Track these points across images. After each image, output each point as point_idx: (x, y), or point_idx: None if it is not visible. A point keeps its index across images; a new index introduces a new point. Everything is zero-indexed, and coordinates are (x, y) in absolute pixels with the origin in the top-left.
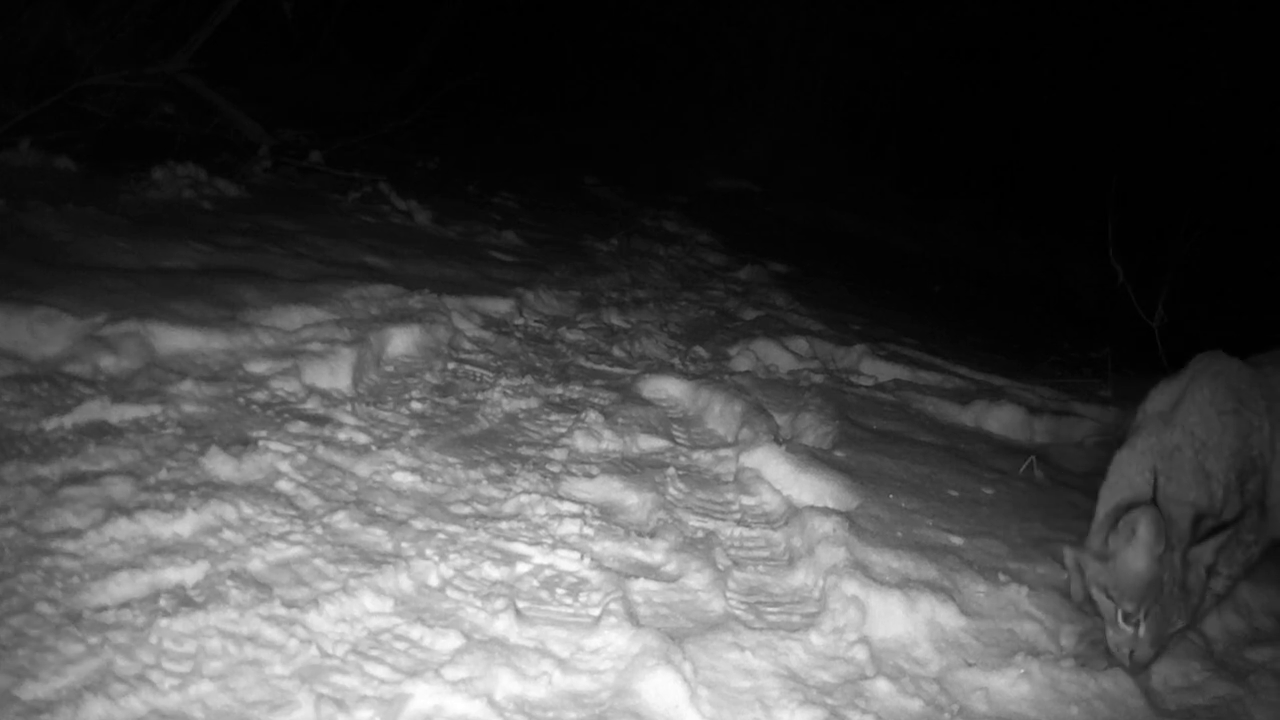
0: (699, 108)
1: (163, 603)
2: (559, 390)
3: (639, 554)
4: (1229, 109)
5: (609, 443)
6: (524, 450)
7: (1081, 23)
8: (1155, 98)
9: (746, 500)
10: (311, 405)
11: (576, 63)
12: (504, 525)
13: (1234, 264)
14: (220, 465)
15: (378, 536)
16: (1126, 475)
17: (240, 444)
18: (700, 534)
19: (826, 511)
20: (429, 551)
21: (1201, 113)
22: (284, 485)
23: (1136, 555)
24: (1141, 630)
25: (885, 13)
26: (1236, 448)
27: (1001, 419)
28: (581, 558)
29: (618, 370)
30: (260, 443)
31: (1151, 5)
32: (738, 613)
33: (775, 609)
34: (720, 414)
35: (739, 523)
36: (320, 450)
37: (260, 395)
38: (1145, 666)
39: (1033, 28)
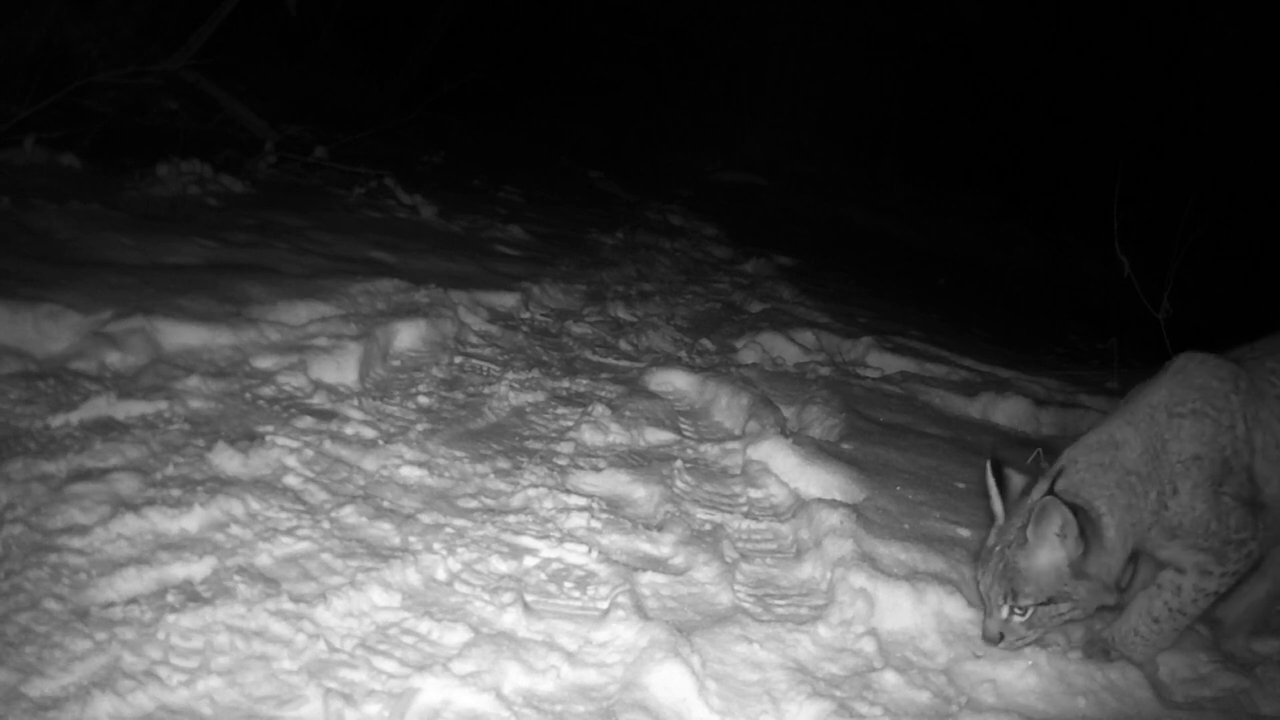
0: (702, 102)
1: (170, 598)
2: (566, 384)
3: (647, 547)
4: (1234, 103)
5: (616, 436)
6: (531, 444)
7: (1086, 18)
8: (1161, 92)
9: (754, 493)
10: (318, 400)
11: (579, 58)
12: (511, 519)
13: (1240, 256)
14: (227, 461)
15: (385, 531)
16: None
17: (247, 439)
18: (708, 527)
19: (834, 504)
20: (437, 545)
21: (1207, 106)
22: (291, 480)
23: (1043, 547)
24: (979, 582)
25: (886, 8)
26: (1194, 452)
27: (1008, 411)
28: (589, 551)
29: (624, 363)
30: (267, 438)
31: (1155, 2)
32: (746, 605)
33: (783, 601)
34: (727, 407)
35: (746, 515)
36: (327, 445)
37: (267, 390)
38: (992, 643)
39: (1036, 24)
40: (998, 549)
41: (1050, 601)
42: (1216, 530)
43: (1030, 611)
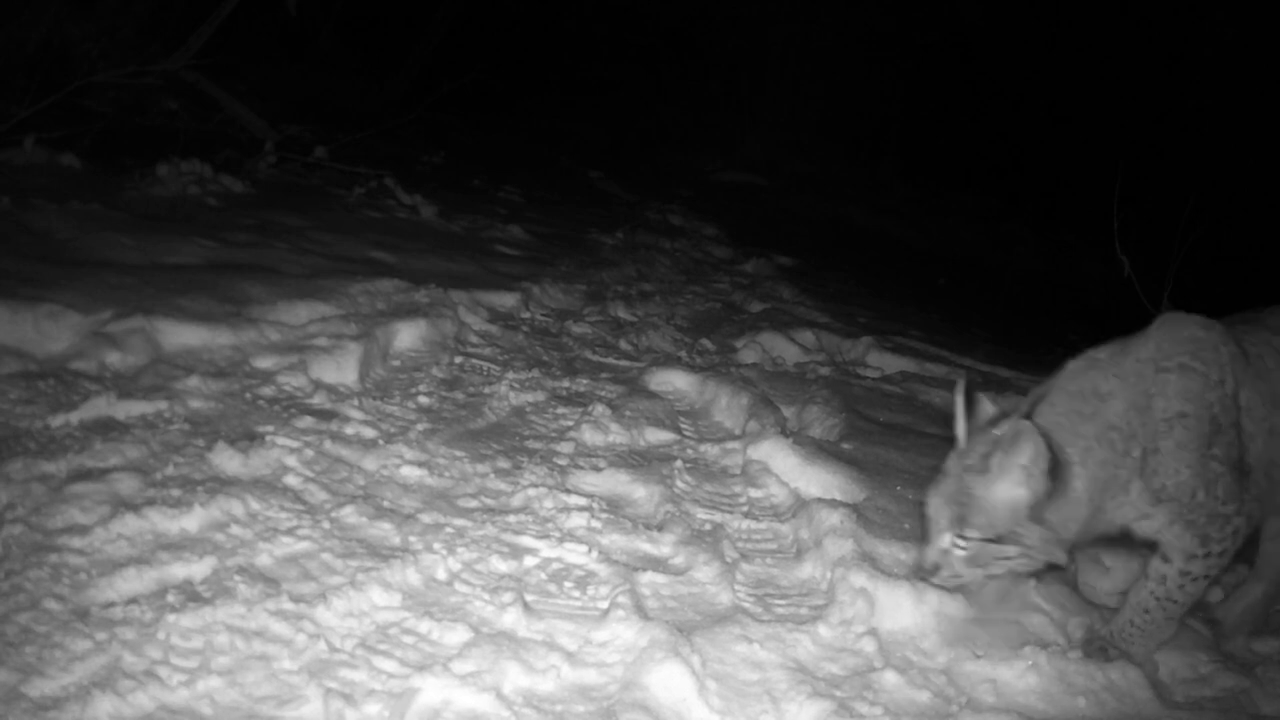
0: (702, 102)
1: (170, 598)
2: (566, 383)
3: (647, 547)
4: (1234, 103)
5: (616, 436)
6: (531, 444)
7: (1086, 18)
8: (1161, 92)
9: (754, 493)
10: (318, 400)
11: (579, 58)
12: (511, 519)
13: (1240, 256)
14: (227, 460)
15: (385, 530)
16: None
17: (247, 439)
18: (708, 526)
19: (834, 504)
20: (437, 545)
21: (1207, 106)
22: (291, 480)
23: (1007, 478)
24: (925, 506)
25: (886, 8)
26: (1179, 409)
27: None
28: (589, 551)
29: (624, 363)
30: (267, 438)
31: (1155, 2)
32: (746, 605)
33: (783, 601)
34: (727, 406)
35: (746, 515)
36: (327, 445)
37: (267, 390)
38: (926, 574)
39: (1036, 24)
40: (955, 472)
41: (998, 540)
42: (1203, 501)
43: (974, 547)
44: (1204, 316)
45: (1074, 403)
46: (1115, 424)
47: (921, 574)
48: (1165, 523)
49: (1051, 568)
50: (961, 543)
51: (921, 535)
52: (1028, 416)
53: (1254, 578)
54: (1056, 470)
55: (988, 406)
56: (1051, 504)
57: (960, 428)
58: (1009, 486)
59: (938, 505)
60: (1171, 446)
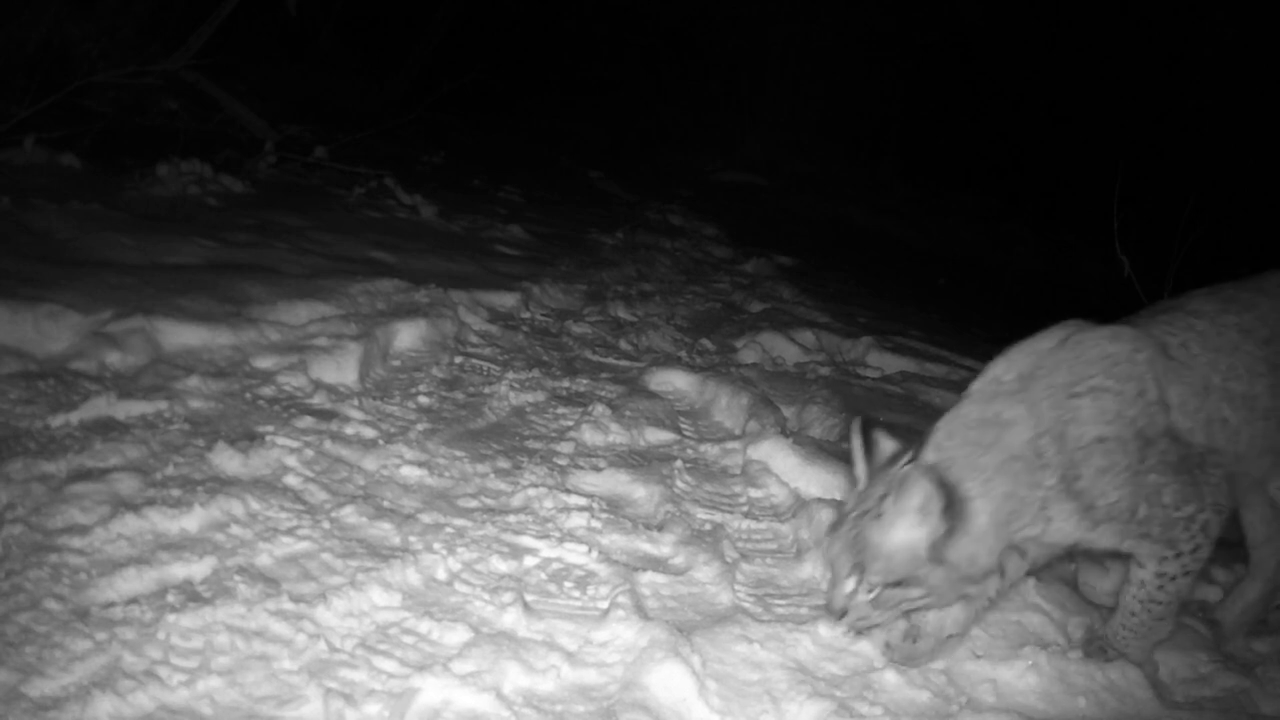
0: (702, 102)
1: (170, 598)
2: (566, 383)
3: (647, 547)
4: (1234, 103)
5: (616, 436)
6: (531, 444)
7: (1086, 18)
8: (1161, 92)
9: (754, 492)
10: (318, 400)
11: (579, 58)
12: (511, 519)
13: (1240, 256)
14: (227, 461)
15: (385, 530)
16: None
17: (247, 439)
18: (708, 526)
19: (834, 504)
20: (437, 545)
21: (1207, 106)
22: (291, 480)
23: (900, 523)
24: (826, 550)
25: (886, 8)
26: (1095, 434)
27: None
28: (589, 551)
29: (624, 363)
30: (267, 438)
31: (1155, 2)
32: (746, 605)
33: (783, 601)
34: (727, 406)
35: (746, 515)
36: (327, 445)
37: (267, 390)
38: (837, 617)
39: (1036, 24)
40: (852, 516)
41: (899, 584)
42: (1149, 515)
43: (877, 591)
44: (1112, 325)
45: (972, 433)
46: (1018, 453)
47: (831, 616)
48: (1117, 539)
49: (967, 599)
50: (864, 589)
51: (829, 580)
52: (919, 452)
53: (1250, 578)
54: (953, 508)
55: (887, 444)
56: (952, 542)
57: (859, 468)
58: (904, 531)
59: (836, 552)
60: (1093, 472)
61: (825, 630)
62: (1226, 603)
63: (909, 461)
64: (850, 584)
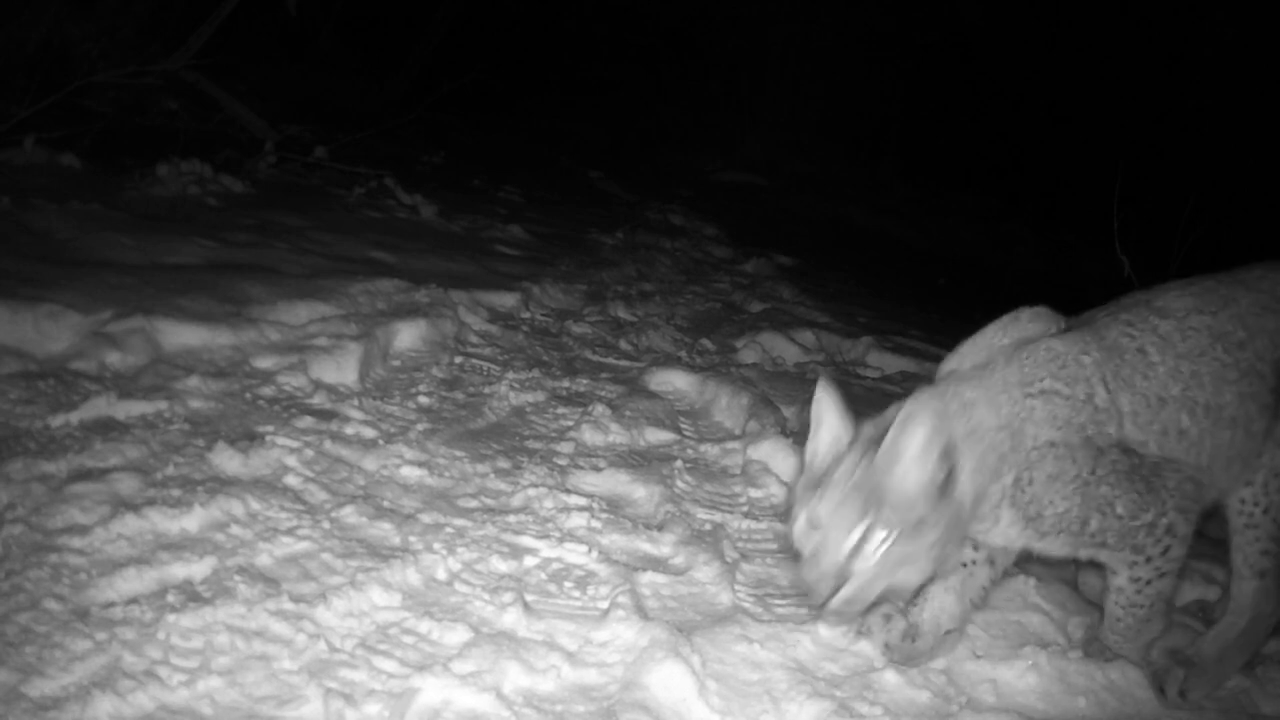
0: (702, 102)
1: (170, 598)
2: (566, 383)
3: (647, 547)
4: (1234, 103)
5: (616, 436)
6: (531, 444)
7: (1086, 18)
8: (1161, 92)
9: (754, 492)
10: (318, 400)
11: (579, 58)
12: (511, 519)
13: (1240, 256)
14: (227, 461)
15: (385, 530)
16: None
17: (247, 439)
18: (708, 526)
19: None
20: (437, 545)
21: (1207, 106)
22: (291, 480)
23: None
24: (817, 511)
25: (886, 8)
26: (1048, 437)
27: None
28: (589, 550)
29: (624, 363)
30: (267, 438)
31: (1155, 2)
32: (746, 605)
33: (783, 601)
34: (727, 406)
35: (747, 515)
36: (327, 445)
37: (267, 390)
38: (826, 596)
39: (1036, 24)
40: (843, 469)
41: (916, 527)
42: (1103, 526)
43: (886, 545)
44: (1066, 333)
45: (942, 402)
46: (983, 434)
47: (814, 604)
48: (1069, 550)
49: (940, 573)
50: (873, 542)
51: (801, 565)
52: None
53: (1228, 612)
54: (949, 454)
55: (838, 401)
56: (950, 490)
57: (835, 426)
58: (917, 466)
59: (831, 506)
60: (1043, 478)
61: (825, 630)
62: (1203, 643)
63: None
64: (850, 542)
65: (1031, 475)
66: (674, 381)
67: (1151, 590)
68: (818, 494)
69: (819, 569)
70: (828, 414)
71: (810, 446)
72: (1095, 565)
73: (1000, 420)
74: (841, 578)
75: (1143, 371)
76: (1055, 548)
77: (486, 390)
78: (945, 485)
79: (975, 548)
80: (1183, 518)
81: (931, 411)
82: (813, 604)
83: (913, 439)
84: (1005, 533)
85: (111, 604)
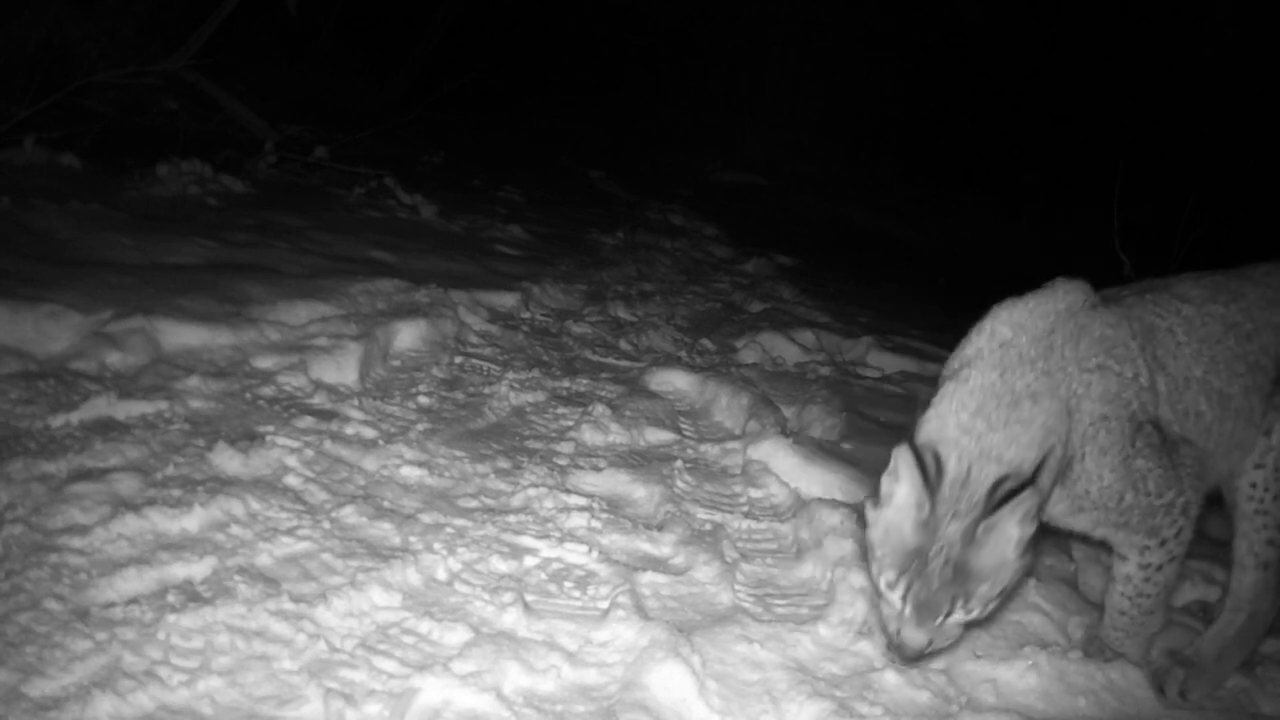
0: (702, 102)
1: (170, 598)
2: (566, 383)
3: (647, 547)
4: (1234, 103)
5: (616, 436)
6: (531, 444)
7: (1086, 18)
8: (1161, 92)
9: (754, 493)
10: (318, 400)
11: (579, 58)
12: (512, 519)
13: (1240, 256)
14: (227, 461)
15: (385, 531)
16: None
17: (247, 439)
18: (708, 526)
19: (834, 504)
20: (437, 545)
21: (1207, 106)
22: (291, 480)
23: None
24: (907, 609)
25: (886, 8)
26: (1102, 412)
27: None
28: (589, 551)
29: (624, 363)
30: (267, 438)
31: (1155, 2)
32: (746, 605)
33: (783, 601)
34: (727, 406)
35: (747, 515)
36: (327, 445)
37: (267, 390)
38: (914, 659)
39: (1036, 24)
40: (938, 550)
41: (1002, 593)
42: (1133, 503)
43: (975, 615)
44: (1107, 310)
45: (1005, 411)
46: (1050, 425)
47: (905, 661)
48: (1091, 526)
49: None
50: (961, 613)
51: (886, 623)
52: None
53: (1227, 609)
54: (1038, 496)
55: (929, 458)
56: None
57: (915, 492)
58: (1012, 541)
59: (929, 593)
60: (1096, 452)
61: (825, 630)
62: (1202, 642)
63: (996, 479)
64: (941, 616)
65: (1084, 451)
66: (674, 381)
67: (1160, 578)
68: (910, 572)
69: (912, 640)
70: (907, 485)
71: (888, 513)
72: (1096, 564)
73: (1060, 404)
74: (931, 646)
75: (1173, 353)
76: (1081, 522)
77: (486, 390)
78: (1030, 542)
79: None
80: (1196, 498)
81: (1031, 491)
82: (898, 660)
83: (1013, 518)
84: (1047, 510)
85: (112, 604)
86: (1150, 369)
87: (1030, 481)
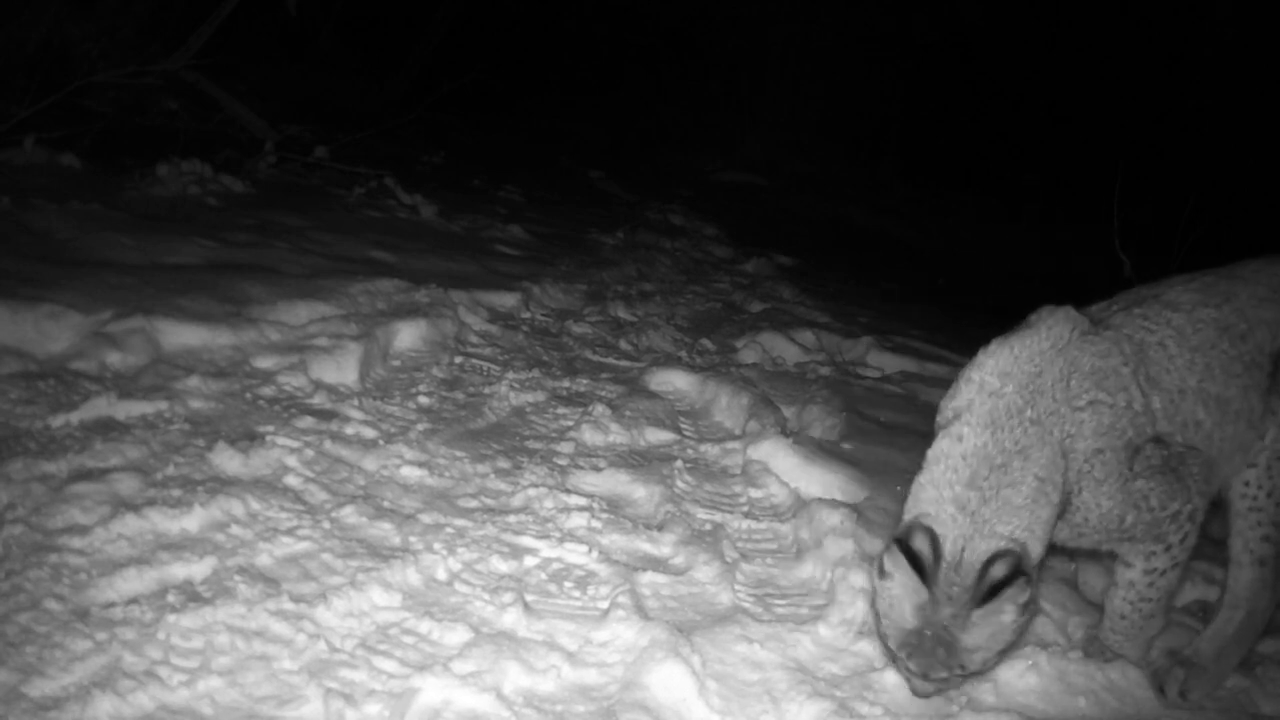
0: (702, 102)
1: (170, 598)
2: (566, 383)
3: (647, 547)
4: (1234, 103)
5: (616, 436)
6: (531, 444)
7: (1086, 18)
8: (1161, 92)
9: (754, 493)
10: (318, 400)
11: (579, 58)
12: (512, 519)
13: (1240, 254)
14: (227, 461)
15: (385, 531)
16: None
17: (247, 439)
18: (708, 526)
19: (834, 504)
20: (437, 545)
21: (1207, 106)
22: (291, 480)
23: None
24: (912, 667)
25: (886, 8)
26: (1095, 446)
27: None
28: (589, 551)
29: (624, 363)
30: (267, 438)
31: (1155, 2)
32: (746, 605)
33: (783, 601)
34: (727, 406)
35: (747, 515)
36: (327, 445)
37: (267, 390)
38: (928, 697)
39: (1036, 24)
40: (929, 633)
41: (1002, 652)
42: (1136, 520)
43: (977, 669)
44: (1097, 337)
45: (997, 475)
46: (1042, 475)
47: (923, 696)
48: (1096, 543)
49: None
50: (959, 671)
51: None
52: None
53: (1225, 606)
54: (1029, 568)
55: (922, 544)
56: (1031, 591)
57: (919, 585)
58: (1005, 621)
59: (925, 667)
60: (1092, 485)
61: (825, 630)
62: (1200, 642)
63: (988, 560)
64: (941, 677)
65: (1081, 485)
66: (674, 381)
67: (1164, 583)
68: (909, 646)
69: (920, 690)
70: (902, 575)
71: (891, 589)
72: (1096, 564)
73: (1053, 448)
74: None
75: (1165, 367)
76: (1085, 543)
77: (486, 390)
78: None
79: None
80: (1203, 504)
81: (1023, 583)
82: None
83: (1002, 607)
84: (1060, 538)
85: (112, 604)
86: (1144, 391)
87: (1020, 565)
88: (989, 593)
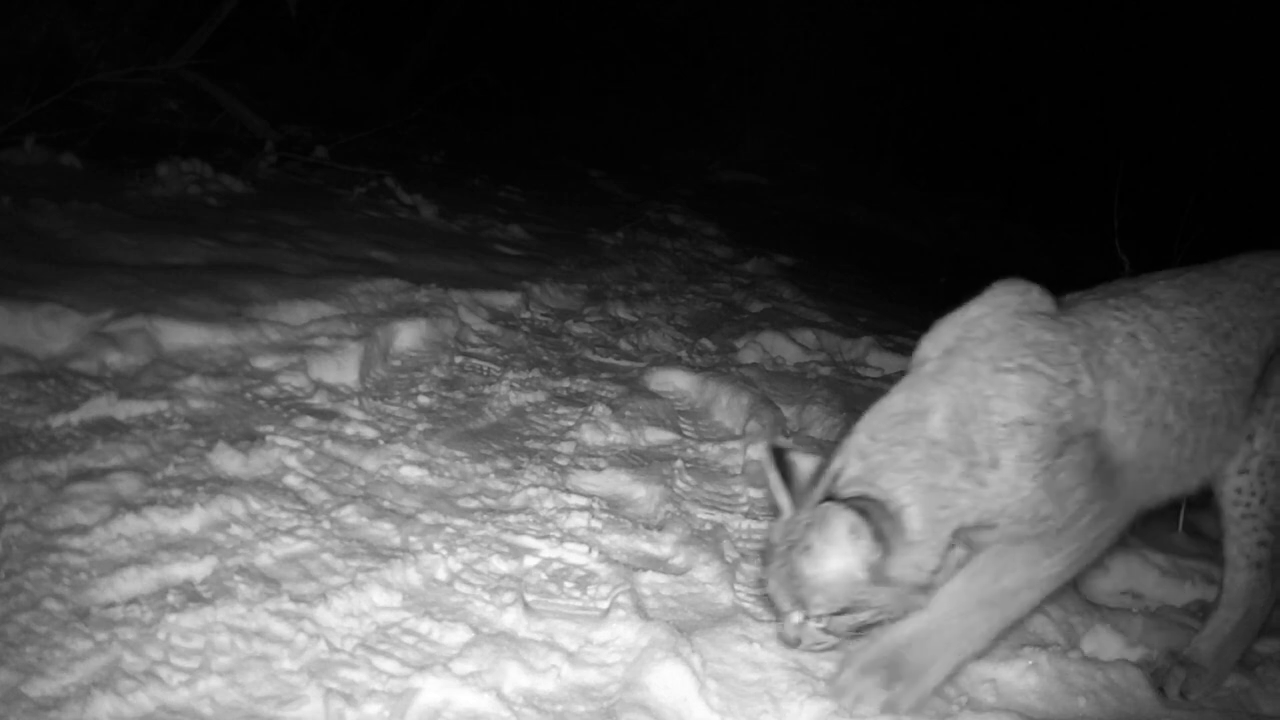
0: (702, 102)
1: (170, 599)
2: (566, 383)
3: (647, 547)
4: (1234, 103)
5: (616, 436)
6: (531, 444)
7: (1087, 18)
8: (1161, 91)
9: (754, 492)
10: (318, 400)
11: (579, 58)
12: (512, 519)
13: (1239, 253)
14: (228, 461)
15: (385, 531)
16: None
17: (247, 439)
18: (708, 526)
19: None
20: (437, 545)
21: (1206, 105)
22: (291, 480)
23: (831, 554)
24: (768, 591)
25: (886, 8)
26: (1021, 414)
27: None
28: (589, 551)
29: (625, 363)
30: (267, 438)
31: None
32: (746, 605)
33: None
34: (727, 406)
35: (747, 515)
36: (328, 445)
37: (267, 390)
38: (793, 644)
39: (1036, 24)
40: (780, 550)
41: (845, 611)
42: (1048, 515)
43: (825, 620)
44: (1048, 316)
45: (897, 430)
46: (938, 438)
47: (787, 647)
48: (993, 540)
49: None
50: (810, 621)
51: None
52: (840, 464)
53: (1222, 605)
54: (886, 525)
55: (805, 464)
56: (892, 560)
57: (781, 498)
58: (838, 561)
59: (775, 588)
60: (1014, 457)
61: None
62: (1198, 642)
63: (825, 494)
64: (796, 616)
65: (998, 455)
66: (674, 381)
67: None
68: (767, 562)
69: (779, 628)
70: (773, 488)
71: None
72: (1099, 564)
73: (957, 405)
74: (800, 636)
75: (1132, 358)
76: (986, 537)
77: (487, 390)
78: (882, 562)
79: None
80: (1120, 521)
81: (844, 513)
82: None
83: (833, 537)
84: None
85: (112, 604)
86: (1094, 376)
87: (873, 514)
88: (820, 503)
